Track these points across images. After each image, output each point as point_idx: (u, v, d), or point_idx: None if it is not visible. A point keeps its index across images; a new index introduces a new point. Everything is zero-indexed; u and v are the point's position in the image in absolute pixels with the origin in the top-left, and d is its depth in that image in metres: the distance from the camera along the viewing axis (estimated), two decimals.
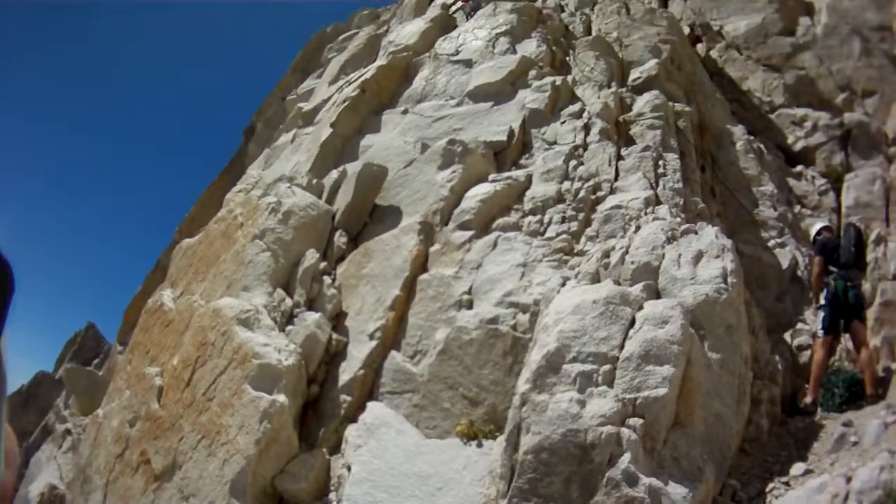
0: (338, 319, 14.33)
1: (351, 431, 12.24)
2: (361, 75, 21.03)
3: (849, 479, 9.36)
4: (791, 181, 19.04)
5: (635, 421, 9.37)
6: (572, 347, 10.01)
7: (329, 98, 21.31)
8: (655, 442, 9.42)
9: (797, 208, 18.29)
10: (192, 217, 27.86)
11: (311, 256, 15.35)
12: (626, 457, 9.01)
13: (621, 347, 10.02)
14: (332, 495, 11.97)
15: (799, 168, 19.65)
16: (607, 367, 9.82)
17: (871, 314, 15.54)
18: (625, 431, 9.23)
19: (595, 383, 9.70)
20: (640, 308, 10.57)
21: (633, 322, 10.35)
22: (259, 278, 15.09)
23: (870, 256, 16.62)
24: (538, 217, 14.23)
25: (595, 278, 11.99)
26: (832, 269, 14.44)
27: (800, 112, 20.92)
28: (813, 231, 15.82)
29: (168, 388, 14.65)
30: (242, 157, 26.91)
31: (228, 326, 13.84)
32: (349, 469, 11.62)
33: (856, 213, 17.81)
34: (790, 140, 20.41)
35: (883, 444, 10.17)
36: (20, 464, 2.48)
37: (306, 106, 22.44)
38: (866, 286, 15.81)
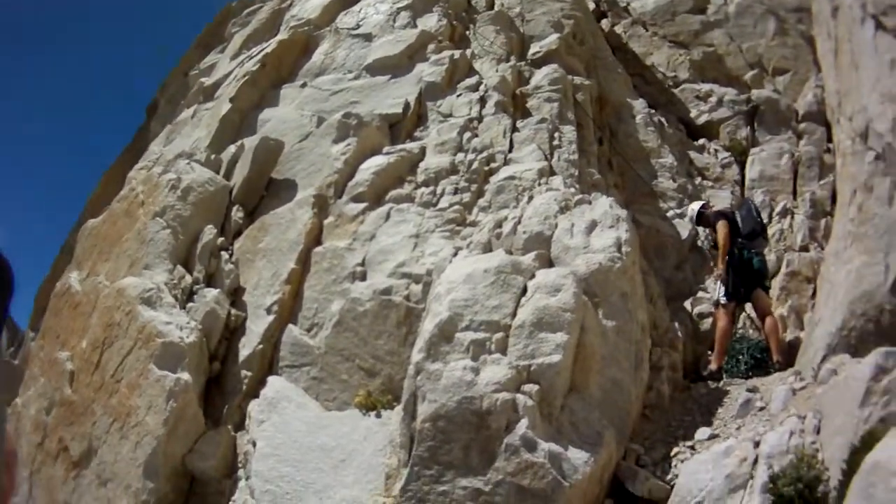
0: (236, 295, 14.41)
1: (253, 407, 12.33)
2: (262, 50, 20.92)
3: (757, 444, 9.44)
4: (693, 154, 19.27)
5: (530, 387, 9.49)
6: (464, 316, 10.10)
7: (230, 73, 21.17)
8: (552, 408, 9.56)
9: (698, 180, 18.46)
10: (98, 197, 27.49)
11: (209, 232, 15.37)
12: (523, 423, 9.12)
13: (513, 315, 10.12)
14: (240, 472, 12.07)
15: (701, 141, 19.93)
16: (500, 334, 9.93)
17: (776, 284, 15.93)
18: (520, 398, 9.33)
19: (488, 351, 9.80)
20: (532, 277, 10.66)
21: (524, 290, 10.45)
22: (160, 256, 15.09)
23: (775, 228, 17.03)
24: (431, 188, 14.35)
25: (487, 248, 12.07)
26: (737, 239, 14.56)
27: (705, 87, 21.13)
28: (695, 207, 15.94)
29: (79, 371, 14.63)
30: (145, 135, 26.65)
31: (132, 306, 13.90)
32: (254, 445, 11.73)
33: (760, 186, 18.16)
34: (693, 114, 20.61)
35: (791, 410, 10.21)
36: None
37: (207, 81, 22.28)
38: (771, 256, 16.15)
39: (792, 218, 17.37)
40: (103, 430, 13.16)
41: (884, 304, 9.83)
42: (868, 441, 7.68)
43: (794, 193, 18.14)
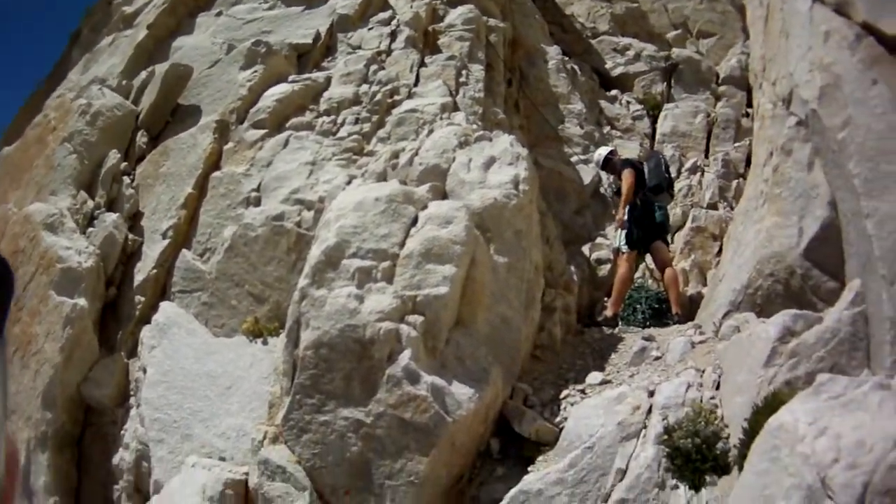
0: (135, 219, 14.21)
1: (145, 333, 12.30)
2: None
3: (651, 393, 9.46)
4: (604, 103, 19.07)
5: (415, 318, 9.40)
6: (352, 243, 9.90)
7: (150, 1, 20.77)
8: (437, 341, 9.47)
9: (607, 129, 18.31)
10: (16, 124, 27.13)
11: (113, 157, 15.16)
12: (406, 354, 9.07)
13: (402, 245, 9.96)
14: (131, 400, 12.05)
15: (614, 92, 19.74)
16: (387, 263, 9.77)
17: (680, 238, 15.98)
18: (404, 328, 9.26)
19: (374, 279, 9.65)
20: (425, 208, 10.47)
21: (415, 221, 10.26)
22: (65, 181, 14.92)
23: (683, 183, 17.03)
24: (332, 118, 14.04)
25: (382, 178, 11.82)
26: (641, 190, 14.42)
27: (624, 41, 20.90)
28: (602, 151, 15.68)
29: None
30: (66, 63, 26.26)
31: (37, 232, 13.77)
32: (145, 372, 11.70)
33: (671, 141, 18.12)
34: (609, 65, 20.37)
35: (689, 362, 10.22)
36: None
37: (128, 9, 21.81)
38: (676, 210, 16.17)
39: (702, 175, 17.39)
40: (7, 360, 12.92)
41: (794, 267, 9.89)
42: (772, 402, 7.62)
43: (707, 152, 18.14)
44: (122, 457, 11.76)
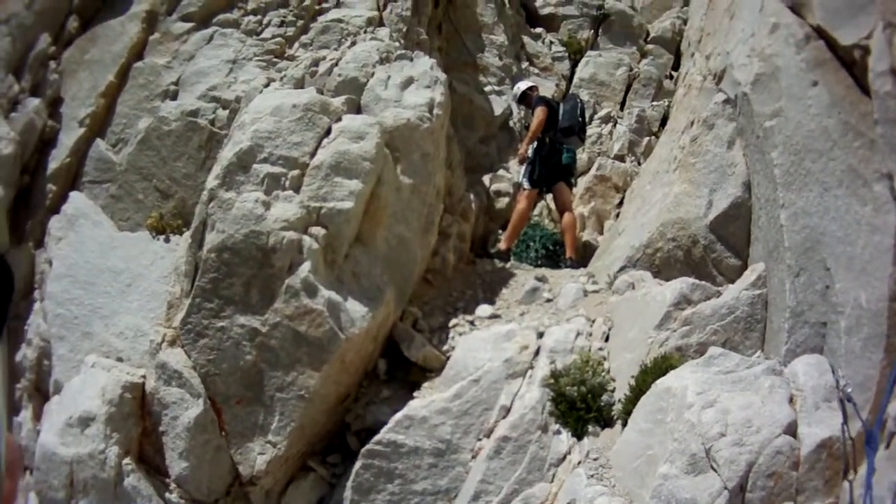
0: (55, 106, 13.33)
1: (53, 223, 11.69)
2: None
3: (541, 335, 9.58)
4: (526, 39, 18.56)
5: (318, 230, 9.22)
6: (265, 148, 9.50)
7: None
8: (337, 255, 9.36)
9: (525, 65, 17.88)
10: None
11: (44, 41, 14.18)
12: (306, 265, 8.94)
13: (313, 155, 9.63)
14: (36, 293, 11.54)
15: (539, 30, 19.17)
16: (296, 172, 9.47)
17: (582, 182, 15.74)
18: (306, 239, 9.08)
19: (282, 187, 9.38)
20: (339, 120, 10.11)
21: (328, 132, 9.92)
22: None
23: (594, 131, 16.75)
24: (258, 17, 13.34)
25: (299, 84, 11.39)
26: (552, 130, 14.02)
27: None
28: (521, 86, 15.23)
29: None
30: None
31: None
32: (50, 264, 11.23)
33: (588, 88, 17.71)
34: (539, 3, 19.77)
35: (580, 310, 10.35)
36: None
37: None
38: (583, 156, 15.89)
39: (614, 126, 17.13)
40: None
41: (699, 237, 10.07)
42: (661, 364, 7.85)
43: (623, 106, 17.80)
44: (25, 353, 11.27)
